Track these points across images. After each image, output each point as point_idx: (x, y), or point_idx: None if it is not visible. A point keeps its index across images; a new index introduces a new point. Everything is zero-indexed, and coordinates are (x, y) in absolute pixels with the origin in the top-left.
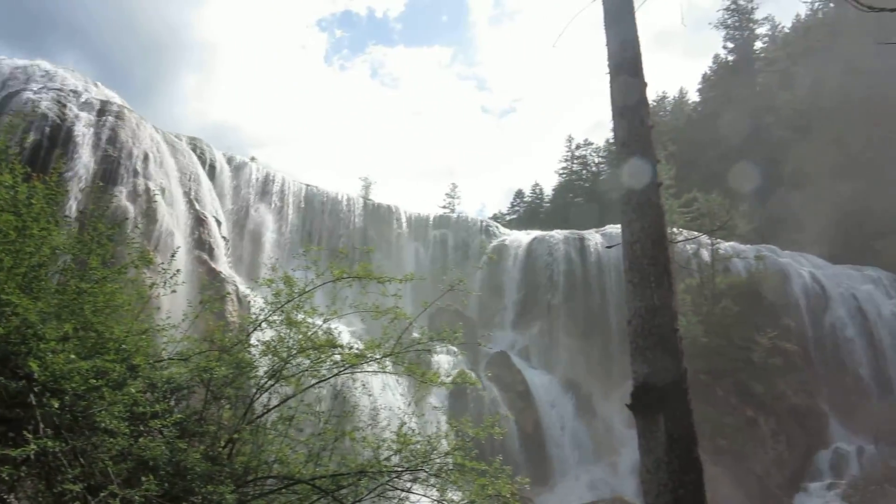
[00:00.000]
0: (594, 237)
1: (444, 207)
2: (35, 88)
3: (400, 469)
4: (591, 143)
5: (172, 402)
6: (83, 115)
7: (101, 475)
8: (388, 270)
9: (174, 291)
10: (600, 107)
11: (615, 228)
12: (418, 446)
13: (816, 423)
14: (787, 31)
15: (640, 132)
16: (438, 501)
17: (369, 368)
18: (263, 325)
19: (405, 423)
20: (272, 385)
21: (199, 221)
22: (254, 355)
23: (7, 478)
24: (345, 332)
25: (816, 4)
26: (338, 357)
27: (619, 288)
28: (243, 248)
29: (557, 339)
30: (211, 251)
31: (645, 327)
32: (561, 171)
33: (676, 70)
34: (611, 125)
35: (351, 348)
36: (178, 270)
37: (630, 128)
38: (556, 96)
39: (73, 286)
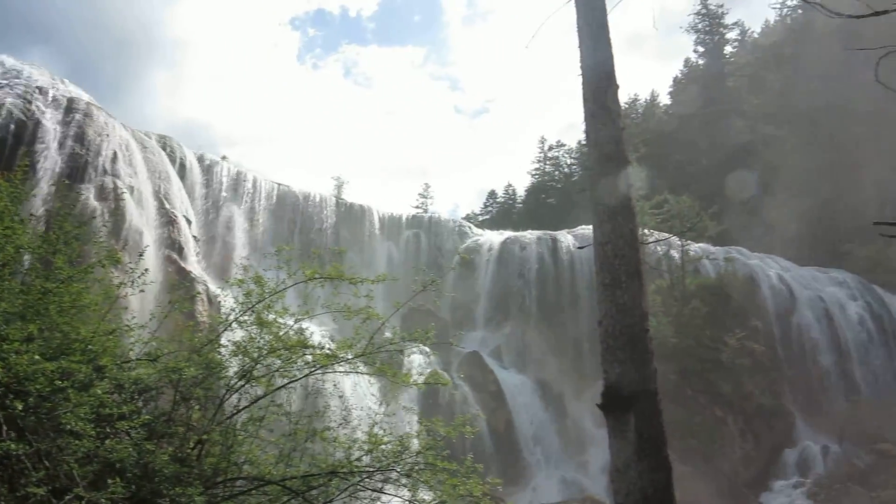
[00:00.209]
0: (566, 238)
1: (417, 207)
2: None
3: (371, 469)
4: (564, 145)
5: (140, 404)
6: (49, 112)
7: (67, 478)
8: (360, 270)
9: (142, 291)
10: (573, 108)
11: (587, 229)
12: (389, 446)
13: (783, 423)
14: (757, 35)
15: (612, 134)
16: (410, 501)
17: (341, 369)
18: (234, 325)
19: (376, 423)
20: (242, 385)
21: (168, 220)
22: (224, 356)
23: None
24: (316, 333)
25: (785, 11)
26: (309, 357)
27: (591, 288)
28: (214, 248)
29: (529, 339)
30: (180, 250)
31: (616, 328)
32: (534, 172)
33: (649, 73)
34: (583, 127)
35: (322, 348)
36: (146, 270)
37: (602, 129)
38: (528, 97)
39: (39, 286)
